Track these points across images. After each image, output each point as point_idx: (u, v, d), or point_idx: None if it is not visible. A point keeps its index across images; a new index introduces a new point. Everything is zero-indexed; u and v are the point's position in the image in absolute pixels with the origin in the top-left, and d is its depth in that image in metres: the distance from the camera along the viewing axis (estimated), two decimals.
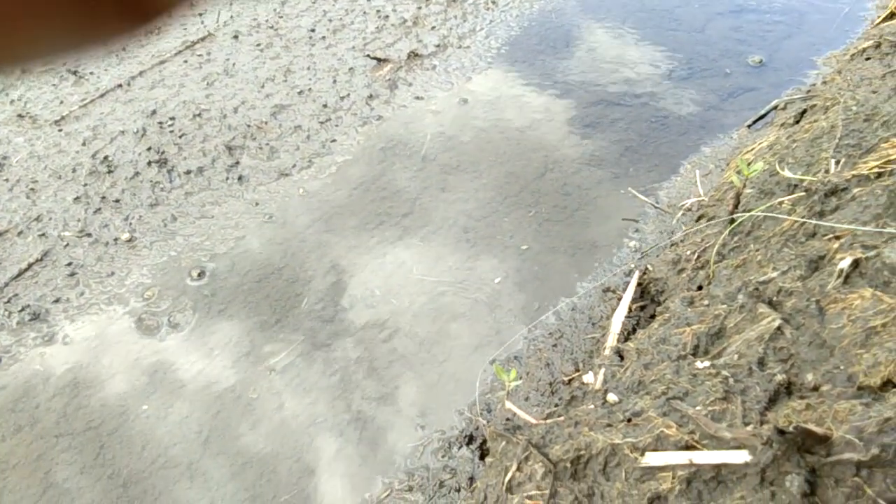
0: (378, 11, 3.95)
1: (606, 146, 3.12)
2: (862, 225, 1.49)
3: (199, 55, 3.61)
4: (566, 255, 2.68)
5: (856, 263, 1.36)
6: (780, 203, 1.74)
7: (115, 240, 2.72)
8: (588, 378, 1.90)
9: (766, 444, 1.08)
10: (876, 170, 1.62)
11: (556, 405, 2.07)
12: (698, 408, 1.28)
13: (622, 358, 1.80)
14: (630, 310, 2.19)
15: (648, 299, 2.24)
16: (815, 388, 1.21)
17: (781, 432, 1.07)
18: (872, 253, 1.35)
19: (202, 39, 3.71)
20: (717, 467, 1.13)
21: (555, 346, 2.34)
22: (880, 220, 1.45)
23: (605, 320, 2.34)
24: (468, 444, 2.09)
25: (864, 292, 1.28)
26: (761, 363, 1.32)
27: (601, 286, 2.52)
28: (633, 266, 2.58)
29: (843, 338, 1.22)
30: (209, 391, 2.27)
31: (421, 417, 2.19)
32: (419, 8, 3.97)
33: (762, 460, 1.08)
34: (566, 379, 2.17)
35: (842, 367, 1.18)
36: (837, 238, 1.51)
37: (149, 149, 3.05)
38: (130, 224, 2.77)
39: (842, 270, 1.36)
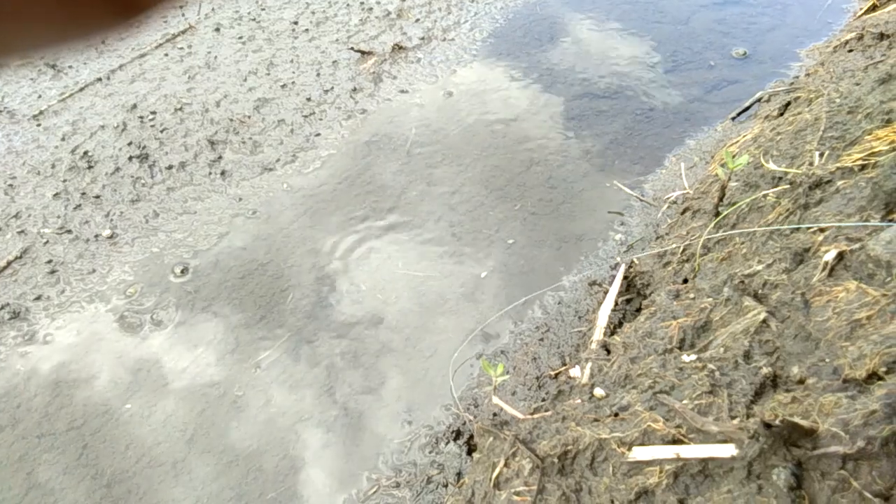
0: (362, 3, 3.91)
1: (591, 139, 3.12)
2: (846, 217, 1.49)
3: (181, 48, 3.56)
4: (552, 249, 2.68)
5: (840, 256, 1.36)
6: (765, 196, 1.74)
7: (96, 236, 2.68)
8: (575, 372, 1.90)
9: (752, 437, 1.08)
10: (860, 162, 1.63)
11: (544, 399, 2.07)
12: (685, 402, 1.28)
13: (608, 352, 1.80)
14: (616, 303, 2.19)
15: (634, 293, 2.24)
16: (801, 381, 1.21)
17: (768, 426, 1.07)
18: (857, 245, 1.36)
19: (183, 32, 3.66)
20: (704, 461, 1.13)
21: (541, 340, 2.34)
22: (864, 213, 1.45)
23: (591, 314, 2.34)
24: (455, 439, 2.08)
25: (849, 285, 1.28)
26: (747, 356, 1.32)
27: (587, 279, 2.52)
28: (619, 259, 2.58)
29: (829, 330, 1.22)
30: (194, 389, 2.24)
31: (408, 413, 2.18)
32: (403, 0, 3.94)
33: (749, 454, 1.08)
34: (553, 373, 2.17)
35: (827, 360, 1.18)
36: (822, 230, 1.51)
37: (129, 144, 3.01)
38: (111, 220, 2.73)
39: (826, 263, 1.36)
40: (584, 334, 2.22)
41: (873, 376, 1.10)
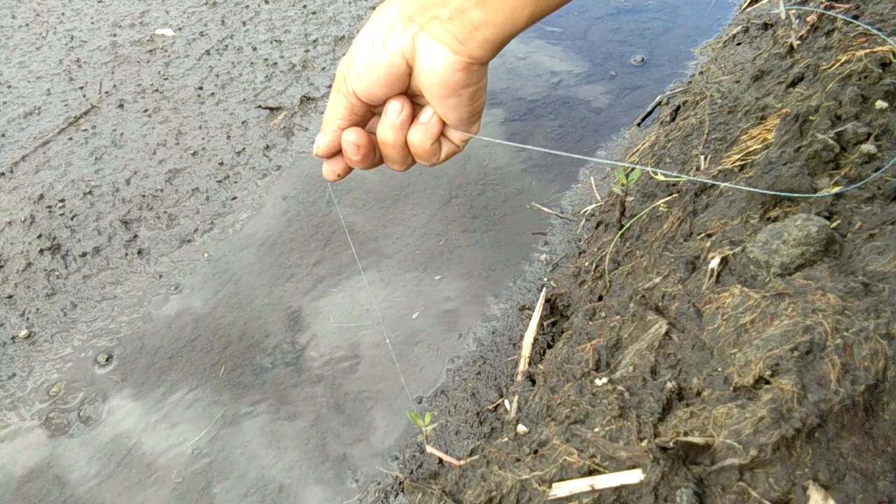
0: (265, 60, 3.91)
1: (506, 164, 3.15)
2: (730, 220, 1.53)
3: (85, 130, 3.50)
4: (480, 279, 2.69)
5: (725, 261, 1.39)
6: (658, 206, 1.78)
7: (13, 338, 2.58)
8: (507, 405, 1.89)
9: (654, 461, 1.09)
10: (738, 163, 1.68)
11: (484, 437, 2.06)
12: (597, 429, 1.28)
13: (533, 382, 1.80)
14: (543, 327, 2.20)
15: (558, 315, 2.26)
16: (699, 393, 1.22)
17: (664, 449, 1.08)
18: (739, 249, 1.39)
19: (86, 113, 3.59)
20: (618, 489, 1.13)
21: (478, 373, 2.33)
22: (744, 214, 1.49)
23: (522, 340, 2.34)
24: (403, 491, 2.05)
25: (734, 290, 1.31)
26: (654, 372, 1.33)
27: (517, 304, 2.54)
28: (545, 279, 2.60)
29: (719, 338, 1.24)
30: (128, 480, 2.16)
31: (354, 471, 2.14)
32: (307, 51, 3.95)
33: (653, 478, 1.08)
34: (492, 406, 2.17)
35: (719, 370, 1.20)
36: (709, 236, 1.55)
37: (39, 236, 2.92)
38: (28, 319, 2.64)
39: (713, 270, 1.39)
40: (516, 363, 2.22)
41: (760, 381, 1.12)
